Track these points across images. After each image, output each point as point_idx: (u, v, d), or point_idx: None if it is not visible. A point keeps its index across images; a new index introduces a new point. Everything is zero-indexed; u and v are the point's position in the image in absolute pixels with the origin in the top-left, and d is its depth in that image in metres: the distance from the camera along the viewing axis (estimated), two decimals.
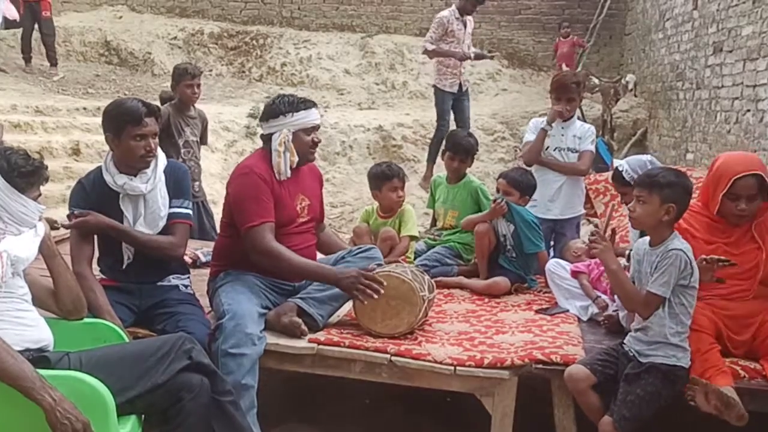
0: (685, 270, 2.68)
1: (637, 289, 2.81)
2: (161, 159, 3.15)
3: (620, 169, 3.67)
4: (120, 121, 3.01)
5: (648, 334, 2.75)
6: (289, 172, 3.30)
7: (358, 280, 3.09)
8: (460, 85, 7.44)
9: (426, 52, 7.51)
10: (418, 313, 3.19)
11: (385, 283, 3.12)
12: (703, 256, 2.85)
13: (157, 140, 3.09)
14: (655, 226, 2.76)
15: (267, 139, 3.34)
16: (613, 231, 3.11)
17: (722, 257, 2.87)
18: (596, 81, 9.34)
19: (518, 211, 4.08)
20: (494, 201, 4.10)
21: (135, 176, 3.05)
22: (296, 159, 3.31)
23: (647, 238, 2.83)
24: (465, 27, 7.39)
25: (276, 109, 3.29)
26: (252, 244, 3.17)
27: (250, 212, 3.17)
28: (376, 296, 3.09)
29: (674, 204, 2.71)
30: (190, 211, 3.24)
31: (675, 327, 2.71)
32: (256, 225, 3.15)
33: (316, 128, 3.38)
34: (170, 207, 3.15)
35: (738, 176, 2.89)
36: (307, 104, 3.33)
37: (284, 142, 3.26)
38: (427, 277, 3.43)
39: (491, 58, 8.13)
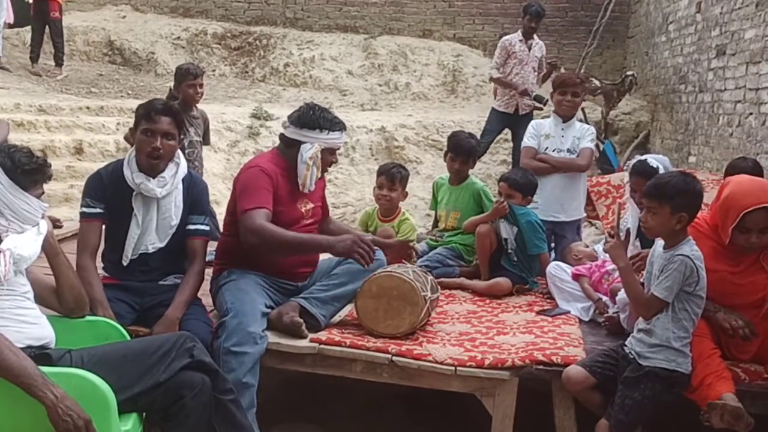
0: (690, 277, 2.67)
1: (642, 290, 2.81)
2: (182, 167, 3.16)
3: (653, 165, 3.54)
4: (137, 115, 3.09)
5: (651, 336, 2.75)
6: (313, 186, 3.34)
7: (356, 243, 3.08)
8: (517, 108, 7.42)
9: (491, 79, 7.69)
10: (419, 313, 3.19)
11: (377, 249, 3.12)
12: (727, 325, 2.86)
13: (173, 143, 3.07)
14: (668, 234, 2.76)
15: (291, 143, 3.32)
16: (628, 231, 3.12)
17: (746, 326, 2.85)
18: (597, 83, 9.33)
19: (521, 213, 4.08)
20: (496, 203, 4.10)
21: (153, 178, 3.06)
22: (319, 175, 3.35)
23: (663, 242, 2.82)
24: (530, 50, 7.44)
25: (317, 121, 3.29)
26: (244, 225, 3.14)
27: (247, 199, 3.18)
28: (371, 263, 3.10)
29: (685, 212, 2.69)
30: (209, 228, 3.28)
31: (678, 332, 2.71)
32: (250, 209, 3.14)
33: (337, 150, 3.45)
34: (192, 224, 3.19)
35: (748, 210, 2.78)
36: (342, 126, 3.38)
37: (315, 157, 3.28)
38: (430, 277, 3.43)
39: (543, 105, 7.77)
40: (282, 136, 3.41)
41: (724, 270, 2.90)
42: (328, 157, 3.38)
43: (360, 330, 3.25)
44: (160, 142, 3.02)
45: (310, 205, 3.44)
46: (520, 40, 7.43)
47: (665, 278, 2.68)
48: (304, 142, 3.28)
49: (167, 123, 3.04)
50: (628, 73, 9.41)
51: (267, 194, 3.19)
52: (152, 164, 3.05)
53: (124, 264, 3.14)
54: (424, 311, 3.22)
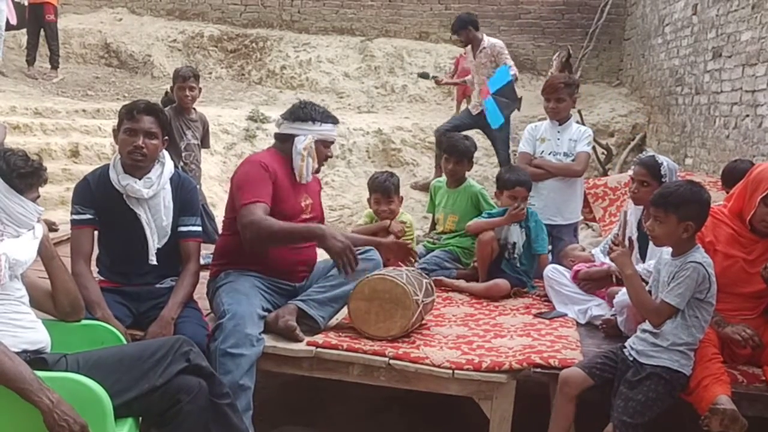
0: (702, 284, 2.68)
1: (650, 297, 2.81)
2: (168, 167, 3.15)
3: (659, 160, 3.51)
4: (120, 115, 3.06)
5: (657, 338, 2.74)
6: (310, 176, 3.38)
7: (347, 249, 3.07)
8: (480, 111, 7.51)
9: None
10: (411, 317, 3.19)
11: (359, 265, 3.12)
12: (738, 337, 2.86)
13: (155, 143, 3.05)
14: (675, 243, 2.76)
15: (285, 138, 3.37)
16: (630, 240, 3.11)
17: (755, 336, 2.87)
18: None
19: (532, 213, 4.14)
20: (513, 208, 4.05)
21: (139, 179, 3.05)
22: (317, 166, 3.37)
23: (670, 249, 2.82)
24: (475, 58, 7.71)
25: (308, 113, 3.35)
26: (240, 219, 3.14)
27: (246, 193, 3.17)
28: (350, 270, 3.08)
29: (692, 221, 2.70)
30: (201, 228, 3.28)
31: (685, 338, 2.71)
32: (248, 202, 3.14)
33: (332, 144, 3.48)
34: (184, 225, 3.18)
35: None
36: (334, 120, 3.45)
37: (309, 148, 3.31)
38: (426, 280, 3.42)
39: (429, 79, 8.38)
40: (276, 135, 3.46)
41: (739, 256, 2.96)
42: (323, 150, 3.41)
43: (357, 333, 3.24)
44: (143, 140, 3.00)
45: (309, 201, 3.45)
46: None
47: (677, 285, 2.68)
48: (298, 135, 3.33)
49: (150, 122, 3.02)
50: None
51: (265, 187, 3.20)
52: (135, 162, 3.02)
53: (122, 268, 3.13)
54: (416, 315, 3.21)
